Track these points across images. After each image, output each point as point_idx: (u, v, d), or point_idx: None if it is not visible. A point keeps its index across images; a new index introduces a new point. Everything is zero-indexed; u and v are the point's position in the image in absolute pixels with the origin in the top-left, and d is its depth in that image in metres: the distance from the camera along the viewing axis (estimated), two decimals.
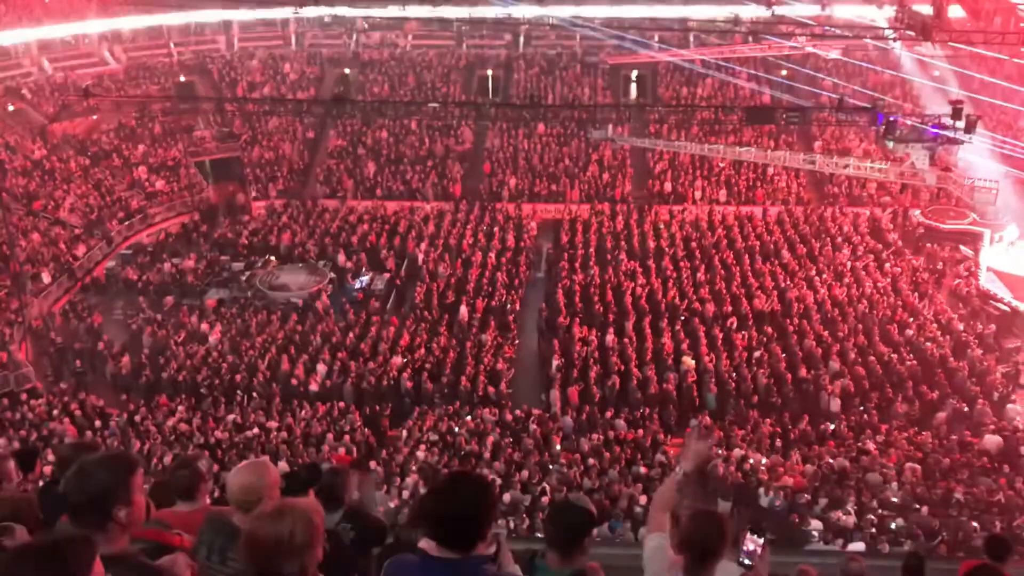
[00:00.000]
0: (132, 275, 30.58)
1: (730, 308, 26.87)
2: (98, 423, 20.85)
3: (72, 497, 3.19)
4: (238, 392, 23.03)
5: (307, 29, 47.82)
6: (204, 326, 26.83)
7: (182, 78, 43.31)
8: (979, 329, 26.26)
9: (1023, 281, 28.74)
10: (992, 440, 19.87)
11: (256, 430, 20.60)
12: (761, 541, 4.07)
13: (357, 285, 29.80)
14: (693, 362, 23.89)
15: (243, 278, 30.58)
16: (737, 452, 19.31)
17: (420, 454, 19.15)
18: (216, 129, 39.51)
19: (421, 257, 31.19)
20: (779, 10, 40.12)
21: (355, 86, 44.11)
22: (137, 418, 21.42)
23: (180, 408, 22.11)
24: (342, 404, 22.39)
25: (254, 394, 22.95)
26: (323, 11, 43.10)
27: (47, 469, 10.16)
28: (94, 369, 25.34)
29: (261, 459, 4.33)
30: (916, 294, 28.00)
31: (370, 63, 45.83)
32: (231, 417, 21.49)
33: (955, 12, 32.51)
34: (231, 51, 46.35)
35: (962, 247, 31.23)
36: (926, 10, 31.52)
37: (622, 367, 23.74)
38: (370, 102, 39.06)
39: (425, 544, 3.18)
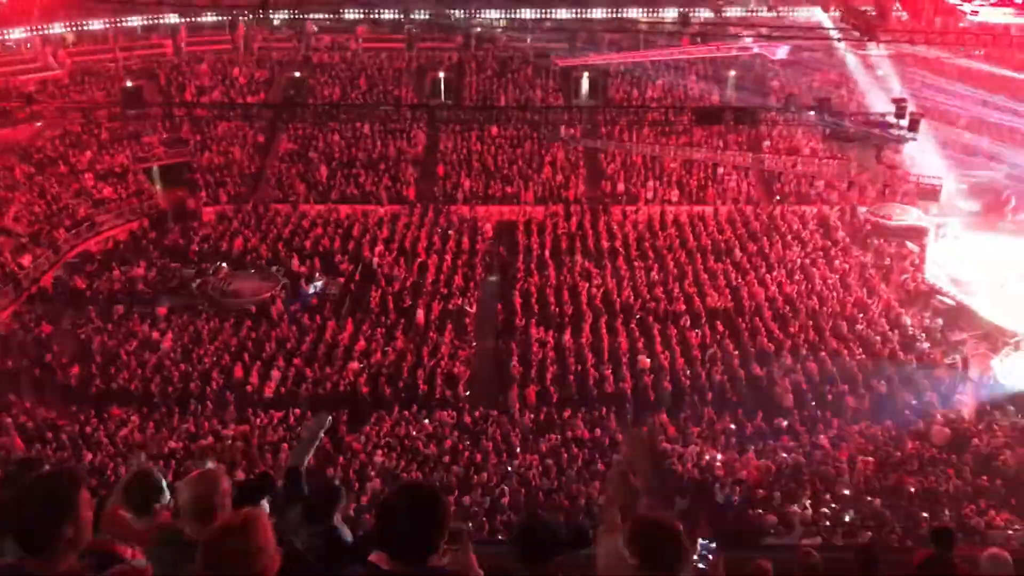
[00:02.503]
0: (80, 284, 29.98)
1: (684, 306, 27.17)
2: (49, 435, 20.43)
3: (15, 517, 3.12)
4: (192, 401, 22.72)
5: (256, 33, 47.29)
6: (155, 334, 26.39)
7: (129, 83, 42.51)
8: (926, 323, 26.86)
9: (968, 275, 29.50)
10: (940, 431, 20.34)
11: (211, 439, 20.35)
12: (713, 546, 4.14)
13: (311, 290, 29.54)
14: (649, 361, 24.11)
15: (195, 285, 30.12)
16: (693, 449, 19.52)
17: (378, 459, 19.09)
18: (165, 135, 38.89)
19: (376, 261, 31.04)
20: (727, 12, 40.67)
21: (306, 89, 43.73)
22: (88, 429, 21.02)
23: (133, 418, 21.74)
24: (298, 411, 22.19)
25: (208, 402, 22.65)
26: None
27: None
28: (43, 380, 24.79)
29: (211, 469, 4.25)
30: (865, 290, 28.55)
31: (321, 66, 45.46)
32: (185, 426, 21.21)
33: (899, 13, 33.20)
34: (179, 56, 45.66)
35: (908, 243, 31.90)
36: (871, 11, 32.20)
37: (579, 367, 23.89)
38: (321, 105, 38.76)
39: (376, 557, 3.14)
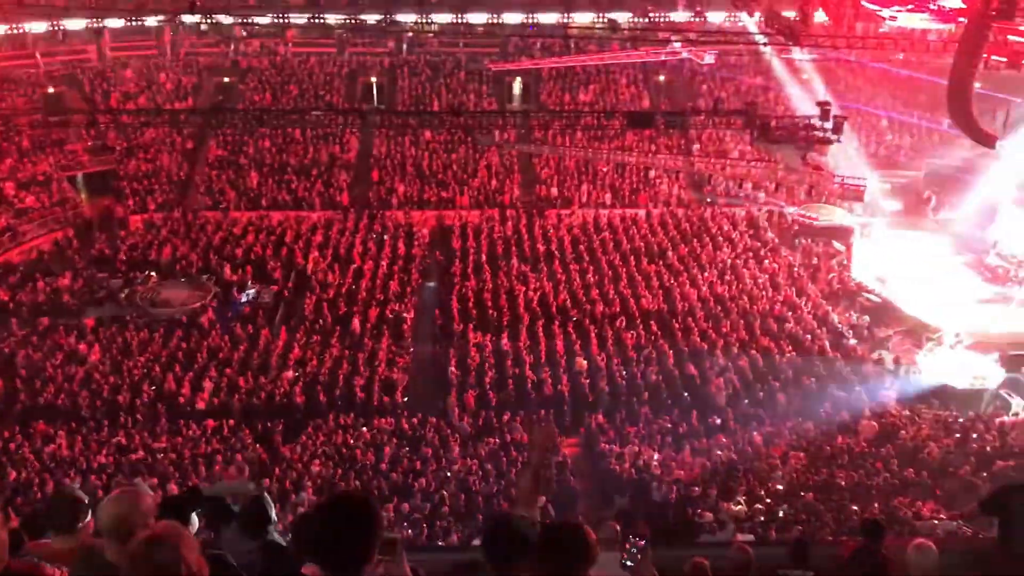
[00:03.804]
0: (3, 296, 28.98)
1: (619, 308, 27.44)
2: None
3: None
4: (121, 414, 22.15)
5: (183, 37, 46.37)
6: (82, 347, 25.64)
7: (51, 89, 41.35)
8: (853, 320, 27.59)
9: (892, 272, 30.42)
10: (868, 425, 20.92)
11: (142, 452, 19.88)
12: (642, 543, 4.18)
13: (243, 298, 29.06)
14: (586, 362, 24.29)
15: (122, 295, 29.42)
16: (631, 448, 19.73)
17: (315, 468, 18.87)
18: (89, 142, 37.92)
19: (310, 268, 30.69)
20: (655, 17, 41.23)
21: (235, 95, 43.06)
22: (12, 446, 20.33)
23: (60, 433, 21.10)
24: (232, 421, 21.79)
25: (138, 415, 22.12)
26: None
27: None
28: None
29: (132, 486, 4.15)
30: (793, 288, 29.19)
31: (250, 71, 44.82)
32: (115, 440, 20.67)
33: (820, 17, 34.04)
34: (103, 61, 44.55)
35: (835, 242, 32.76)
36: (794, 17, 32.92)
37: (517, 370, 23.95)
38: (251, 111, 38.19)
39: (309, 570, 3.11)
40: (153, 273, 30.64)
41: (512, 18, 42.17)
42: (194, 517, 4.71)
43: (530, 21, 42.23)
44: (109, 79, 42.84)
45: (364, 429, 21.21)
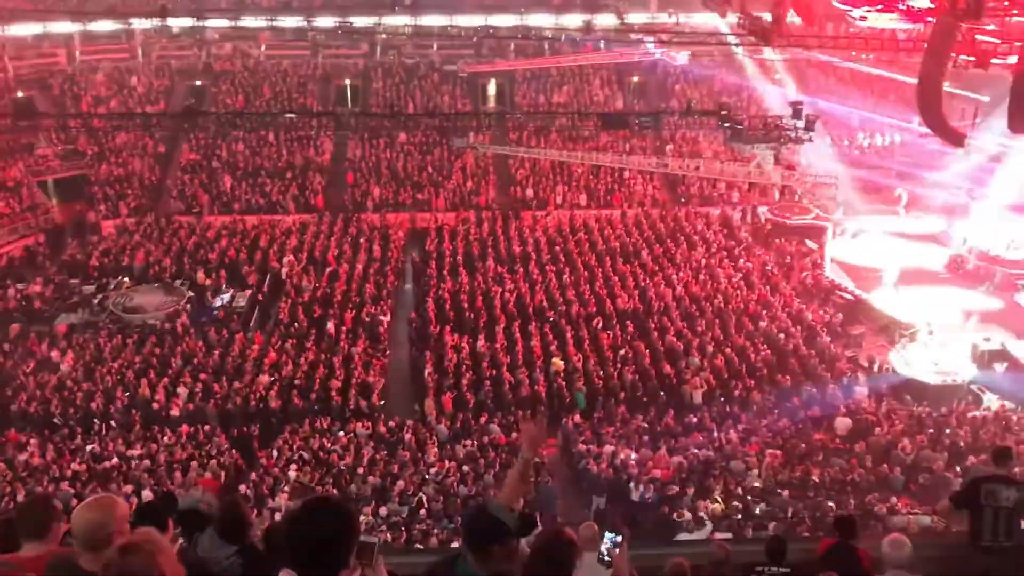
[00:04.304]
0: None
1: (595, 308, 27.51)
2: None
3: None
4: (95, 421, 21.92)
5: (155, 40, 46.01)
6: (55, 354, 25.38)
7: (20, 94, 40.89)
8: (826, 318, 27.82)
9: (864, 270, 30.74)
10: (843, 422, 21.09)
11: (116, 460, 19.68)
12: (619, 539, 4.21)
13: (218, 303, 28.86)
14: (562, 363, 24.33)
15: (95, 301, 29.08)
16: (608, 448, 19.78)
17: (292, 473, 18.76)
18: (60, 147, 37.50)
19: (284, 271, 30.53)
20: (629, 18, 41.42)
21: (208, 98, 42.76)
22: None
23: (32, 441, 20.85)
24: (207, 427, 21.62)
25: (112, 422, 21.90)
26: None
27: None
28: None
29: (106, 494, 4.11)
30: (767, 287, 29.39)
31: (223, 74, 44.54)
32: (89, 448, 20.45)
33: (793, 18, 34.31)
34: (73, 65, 44.12)
35: (807, 241, 33.03)
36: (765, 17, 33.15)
37: (494, 372, 23.93)
38: (224, 114, 37.97)
39: (286, 574, 3.11)
40: (126, 278, 30.36)
41: (486, 20, 42.30)
42: (170, 524, 4.68)
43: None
44: (80, 83, 42.42)
45: (341, 433, 21.12)
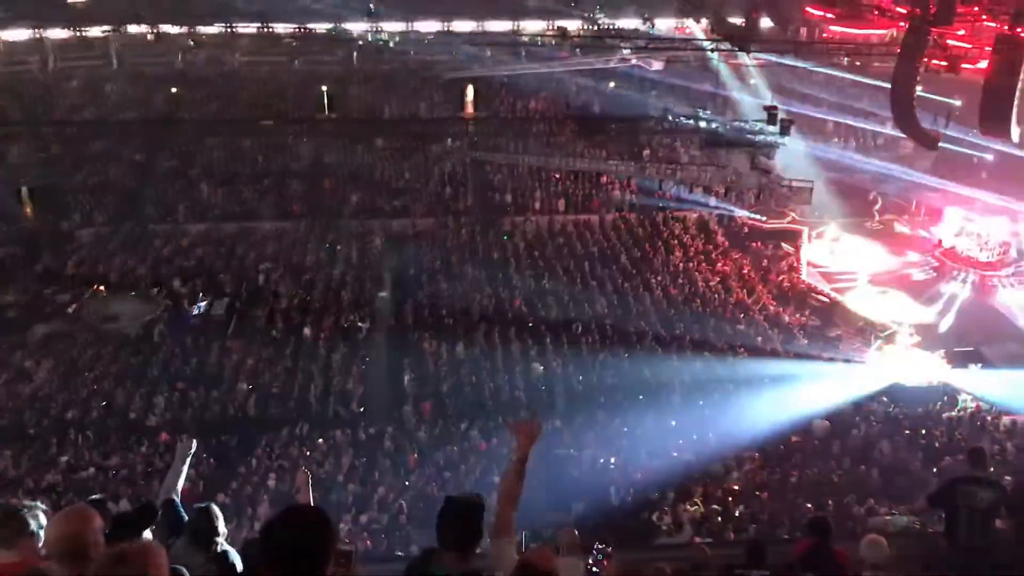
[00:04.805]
0: None
1: (573, 313, 27.55)
2: None
3: None
4: (71, 431, 21.70)
5: (129, 48, 45.64)
6: (29, 364, 25.12)
7: None
8: (804, 321, 28.01)
9: (840, 273, 30.99)
10: (820, 424, 21.21)
11: (92, 470, 19.49)
12: (609, 549, 4.23)
13: (195, 311, 28.66)
14: (542, 368, 24.34)
15: (70, 310, 28.84)
16: (588, 453, 19.79)
17: (271, 482, 18.65)
18: (33, 155, 37.12)
19: (262, 278, 30.36)
20: (604, 25, 41.60)
21: (184, 105, 42.46)
22: None
23: (6, 453, 20.61)
24: (185, 436, 21.39)
25: (88, 432, 21.68)
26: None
27: None
28: None
29: (80, 505, 4.06)
30: (745, 290, 29.56)
31: (199, 81, 44.24)
32: (64, 459, 20.24)
33: (766, 23, 34.64)
34: (46, 72, 43.70)
35: (784, 244, 33.26)
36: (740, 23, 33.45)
37: (473, 378, 23.91)
38: (201, 121, 37.73)
39: None
40: (102, 287, 30.07)
41: (463, 26, 42.36)
42: (147, 533, 4.65)
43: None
44: (53, 91, 42.05)
45: (320, 441, 21.02)
